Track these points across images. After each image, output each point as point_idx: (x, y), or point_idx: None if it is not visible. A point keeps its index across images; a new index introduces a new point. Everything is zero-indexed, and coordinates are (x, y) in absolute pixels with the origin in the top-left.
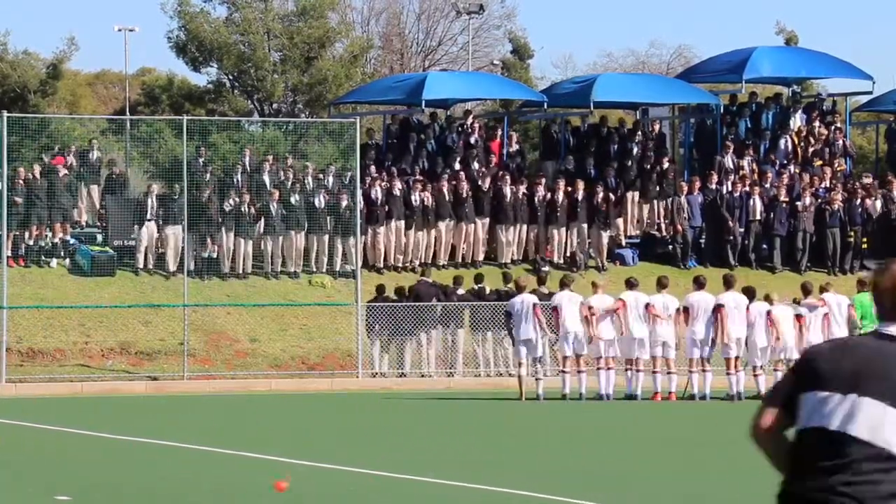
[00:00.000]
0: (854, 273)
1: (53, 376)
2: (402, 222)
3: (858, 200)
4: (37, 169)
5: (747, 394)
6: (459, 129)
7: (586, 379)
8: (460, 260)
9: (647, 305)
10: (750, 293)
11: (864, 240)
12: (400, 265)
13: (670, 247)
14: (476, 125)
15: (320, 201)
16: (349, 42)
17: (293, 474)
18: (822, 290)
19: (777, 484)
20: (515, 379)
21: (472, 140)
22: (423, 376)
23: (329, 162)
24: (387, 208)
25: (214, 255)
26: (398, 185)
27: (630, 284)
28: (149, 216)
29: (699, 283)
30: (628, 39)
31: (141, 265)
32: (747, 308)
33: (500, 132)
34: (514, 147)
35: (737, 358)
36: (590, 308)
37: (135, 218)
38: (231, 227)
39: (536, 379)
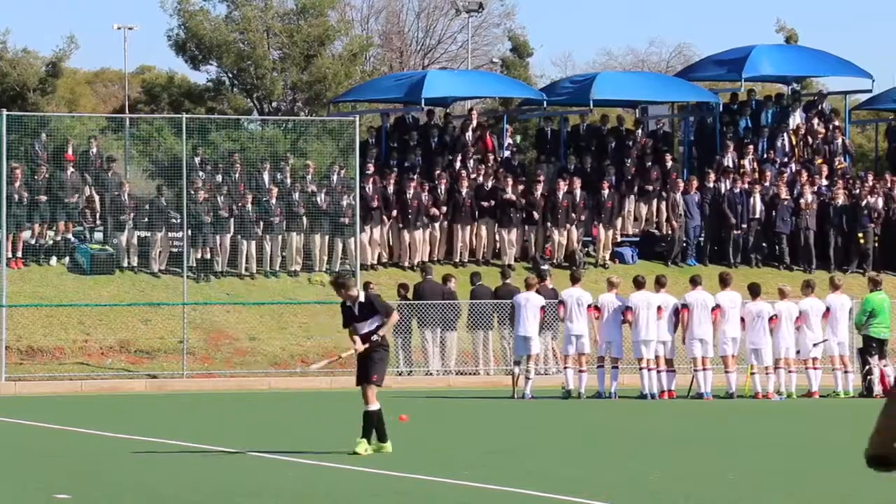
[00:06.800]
0: (864, 273)
1: (53, 375)
2: (401, 221)
3: (864, 202)
4: (42, 169)
5: (740, 392)
6: (461, 128)
7: (586, 378)
8: (458, 259)
9: (658, 308)
10: (754, 291)
11: (875, 240)
12: (402, 264)
13: (664, 244)
14: (474, 122)
15: (320, 199)
16: (349, 40)
17: (294, 473)
18: (835, 287)
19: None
20: (519, 378)
21: (472, 139)
22: (428, 374)
23: (328, 160)
24: (385, 207)
25: (208, 256)
26: (396, 184)
27: (638, 284)
28: (131, 215)
29: (695, 283)
30: (628, 38)
31: (125, 264)
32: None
33: (488, 133)
34: (509, 140)
35: (733, 356)
36: (596, 307)
37: (131, 216)
38: (230, 226)
39: (527, 378)
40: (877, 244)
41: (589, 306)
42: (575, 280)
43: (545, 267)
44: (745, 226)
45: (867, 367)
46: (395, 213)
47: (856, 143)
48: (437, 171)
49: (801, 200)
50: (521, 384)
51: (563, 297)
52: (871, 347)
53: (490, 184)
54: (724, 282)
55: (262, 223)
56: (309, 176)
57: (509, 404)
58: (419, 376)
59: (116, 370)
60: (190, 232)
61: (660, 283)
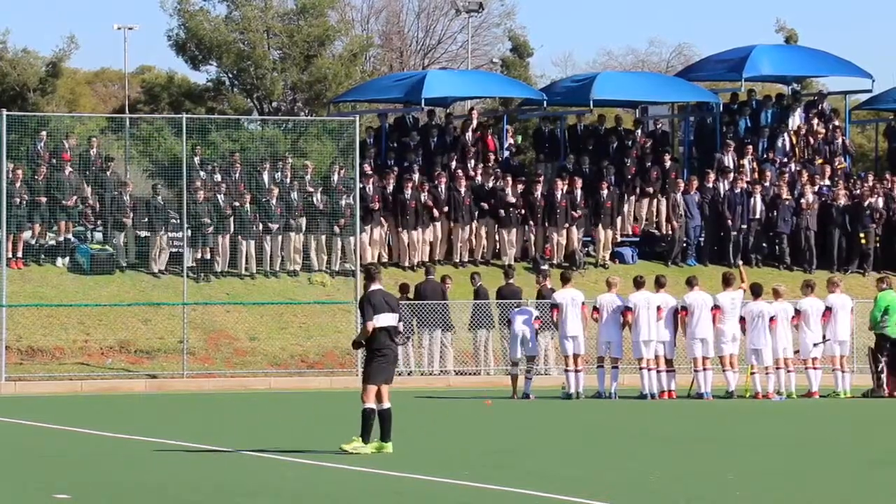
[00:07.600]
0: (864, 274)
1: (53, 375)
2: (400, 221)
3: (866, 202)
4: (42, 169)
5: (739, 392)
6: (461, 128)
7: (584, 378)
8: (457, 259)
9: (658, 308)
10: (755, 291)
11: (877, 239)
12: (402, 264)
13: (664, 244)
14: (474, 122)
15: (319, 200)
16: (349, 40)
17: (293, 473)
18: (833, 286)
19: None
20: (518, 378)
21: (472, 139)
22: (423, 374)
23: (328, 160)
24: (384, 207)
25: (208, 256)
26: (395, 184)
27: (638, 284)
28: (129, 215)
29: (692, 284)
30: (628, 38)
31: (125, 264)
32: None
33: (491, 131)
34: (510, 141)
35: (732, 355)
36: (595, 308)
37: (131, 216)
38: (230, 226)
39: (527, 378)
40: (878, 244)
41: (583, 304)
42: (565, 280)
43: (545, 267)
44: (744, 226)
45: (880, 366)
46: (395, 212)
47: (856, 143)
48: (437, 172)
49: (802, 200)
50: (521, 384)
51: (556, 300)
52: (883, 347)
53: (490, 184)
54: (726, 282)
55: (261, 223)
56: (308, 176)
57: (509, 404)
58: (418, 376)
59: (116, 370)
60: (190, 232)
61: (659, 284)
